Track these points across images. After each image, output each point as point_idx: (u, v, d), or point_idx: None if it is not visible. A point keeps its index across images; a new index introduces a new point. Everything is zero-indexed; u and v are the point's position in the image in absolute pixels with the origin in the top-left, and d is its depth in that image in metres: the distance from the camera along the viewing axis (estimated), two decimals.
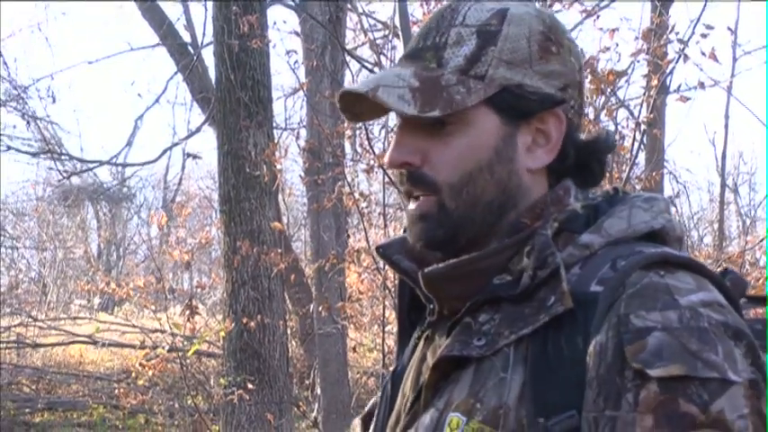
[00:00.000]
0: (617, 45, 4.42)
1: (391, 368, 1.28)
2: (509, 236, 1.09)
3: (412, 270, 1.15)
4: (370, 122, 5.13)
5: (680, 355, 0.91)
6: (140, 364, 6.30)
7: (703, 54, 4.30)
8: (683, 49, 4.03)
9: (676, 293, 0.96)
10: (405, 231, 1.20)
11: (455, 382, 1.05)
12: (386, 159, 1.13)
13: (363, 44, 9.31)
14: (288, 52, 5.54)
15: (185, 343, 7.16)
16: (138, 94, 25.33)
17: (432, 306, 1.14)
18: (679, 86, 5.41)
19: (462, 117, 1.08)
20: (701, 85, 4.57)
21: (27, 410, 10.52)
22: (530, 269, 1.04)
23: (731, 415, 0.90)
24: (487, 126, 1.09)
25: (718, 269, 1.10)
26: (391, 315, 5.58)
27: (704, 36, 4.13)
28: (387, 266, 5.22)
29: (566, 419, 0.96)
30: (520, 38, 1.10)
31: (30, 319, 13.22)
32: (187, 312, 5.88)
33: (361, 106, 1.14)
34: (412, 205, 1.12)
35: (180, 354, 6.65)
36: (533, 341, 1.00)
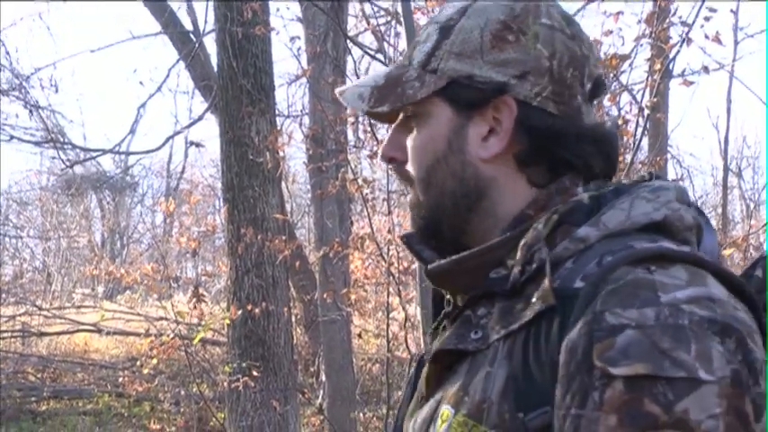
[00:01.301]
0: (620, 29, 4.39)
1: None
2: (512, 228, 1.08)
3: (432, 259, 1.16)
4: None
5: (648, 353, 0.89)
6: (149, 348, 6.32)
7: (707, 37, 4.27)
8: (687, 32, 4.01)
9: (660, 290, 0.93)
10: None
11: (454, 374, 1.05)
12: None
13: (366, 30, 9.28)
14: (291, 39, 5.53)
15: (191, 330, 7.17)
16: (141, 83, 25.37)
17: (448, 297, 1.15)
18: (683, 71, 5.40)
19: (423, 111, 1.12)
20: (705, 69, 4.56)
21: (32, 399, 10.56)
22: (519, 264, 1.03)
23: (699, 415, 0.87)
24: (442, 119, 1.11)
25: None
26: (395, 301, 5.58)
27: (707, 19, 4.11)
28: (391, 253, 5.24)
29: (541, 415, 0.95)
30: (473, 29, 1.10)
31: (34, 308, 13.28)
32: (194, 300, 5.89)
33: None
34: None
35: (185, 341, 6.67)
36: (518, 337, 1.00)
